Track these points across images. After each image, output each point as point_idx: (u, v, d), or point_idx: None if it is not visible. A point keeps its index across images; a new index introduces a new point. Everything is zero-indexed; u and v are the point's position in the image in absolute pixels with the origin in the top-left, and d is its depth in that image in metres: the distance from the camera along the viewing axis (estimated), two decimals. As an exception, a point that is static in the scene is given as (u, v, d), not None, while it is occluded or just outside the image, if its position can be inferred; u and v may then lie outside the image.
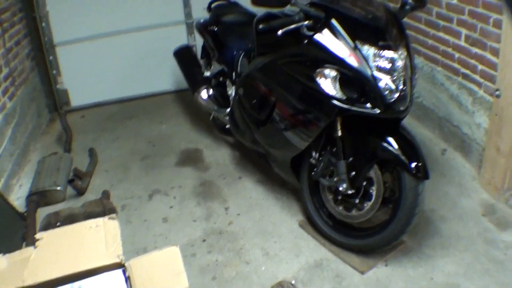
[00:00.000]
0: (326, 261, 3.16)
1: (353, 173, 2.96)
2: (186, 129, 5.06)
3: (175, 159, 4.53)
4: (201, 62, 4.83)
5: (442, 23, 4.02)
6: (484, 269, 2.99)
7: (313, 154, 3.14)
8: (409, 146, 2.83)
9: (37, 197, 3.88)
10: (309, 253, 3.24)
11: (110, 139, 5.01)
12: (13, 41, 4.78)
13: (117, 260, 2.22)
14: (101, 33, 5.56)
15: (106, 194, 3.91)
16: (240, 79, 3.74)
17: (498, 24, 3.36)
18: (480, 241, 3.22)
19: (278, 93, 3.22)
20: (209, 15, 4.57)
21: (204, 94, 4.47)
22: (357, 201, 3.03)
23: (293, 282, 2.97)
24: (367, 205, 3.00)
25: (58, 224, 3.40)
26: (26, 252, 2.32)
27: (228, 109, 4.07)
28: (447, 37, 4.00)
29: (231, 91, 4.13)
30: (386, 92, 2.70)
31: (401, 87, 2.73)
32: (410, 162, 2.75)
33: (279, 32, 2.82)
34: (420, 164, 2.76)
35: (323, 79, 2.80)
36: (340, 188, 2.99)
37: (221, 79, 4.45)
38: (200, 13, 5.16)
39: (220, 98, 4.44)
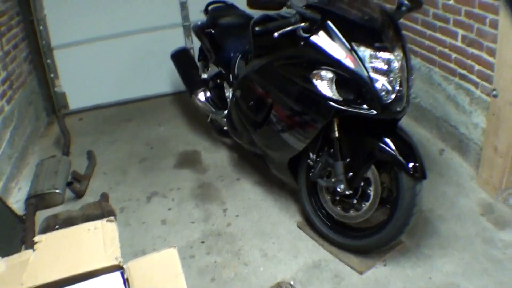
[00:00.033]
0: (325, 262, 3.17)
1: (351, 173, 2.96)
2: (184, 131, 5.07)
3: (173, 161, 4.54)
4: (199, 64, 4.83)
5: (438, 23, 4.03)
6: (483, 269, 2.99)
7: (311, 155, 3.15)
8: (406, 146, 2.84)
9: (36, 200, 3.88)
10: (308, 253, 3.25)
11: (108, 142, 5.01)
12: (11, 44, 4.79)
13: (115, 262, 2.22)
14: (98, 36, 5.57)
15: (104, 197, 3.91)
16: (237, 81, 3.75)
17: (494, 25, 3.37)
18: (478, 240, 3.22)
19: (275, 95, 3.22)
20: (206, 18, 4.59)
21: (201, 96, 4.48)
22: (355, 201, 3.04)
23: (292, 283, 2.97)
24: (365, 205, 2.99)
25: (56, 227, 3.40)
26: (25, 255, 2.32)
27: (226, 111, 4.08)
28: (443, 37, 4.01)
29: (229, 93, 4.13)
30: (383, 93, 2.70)
31: (397, 88, 2.73)
32: (407, 163, 2.76)
33: (276, 34, 2.83)
34: (417, 164, 2.76)
35: (319, 80, 2.81)
36: (338, 189, 2.99)
37: (218, 81, 4.44)
38: (197, 16, 5.17)
39: (218, 100, 4.44)
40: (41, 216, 3.68)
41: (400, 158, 2.77)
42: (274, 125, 3.27)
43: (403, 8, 3.16)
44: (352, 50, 2.72)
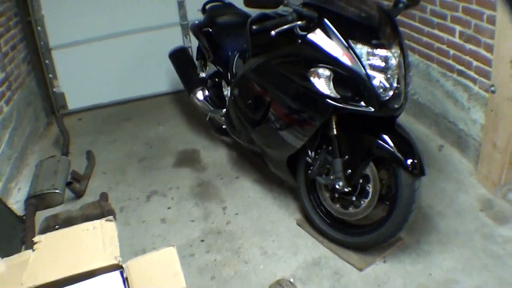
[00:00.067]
0: (324, 259, 3.17)
1: (349, 171, 2.96)
2: (183, 130, 5.07)
3: (172, 160, 4.54)
4: (197, 63, 4.84)
5: (436, 20, 4.03)
6: (483, 264, 2.99)
7: (309, 152, 3.15)
8: (405, 143, 2.84)
9: (36, 200, 3.88)
10: (307, 251, 3.25)
11: (108, 142, 5.02)
12: (9, 45, 4.79)
13: (114, 262, 2.23)
14: (96, 36, 5.58)
15: (104, 196, 3.92)
16: (235, 79, 3.75)
17: (491, 20, 3.37)
18: (478, 236, 3.22)
19: (272, 93, 3.23)
20: (204, 17, 4.59)
21: (200, 95, 4.48)
22: (354, 198, 3.04)
23: (291, 280, 2.97)
24: (364, 202, 3.00)
25: (56, 226, 3.41)
26: (25, 255, 2.33)
27: (224, 110, 4.08)
28: (441, 34, 4.01)
29: (227, 91, 4.14)
30: (380, 90, 2.71)
31: (395, 85, 2.74)
32: (406, 159, 2.76)
33: (273, 32, 2.83)
34: (415, 161, 2.76)
35: (317, 78, 2.81)
36: (337, 186, 2.99)
37: (216, 80, 4.45)
38: (195, 15, 5.18)
39: (216, 98, 4.45)
40: (41, 216, 3.69)
41: (399, 154, 2.77)
42: (272, 123, 3.27)
43: (400, 5, 3.17)
44: (349, 48, 2.73)
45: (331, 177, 3.03)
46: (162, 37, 5.72)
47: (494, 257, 3.04)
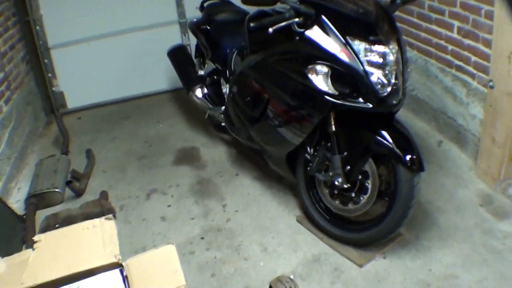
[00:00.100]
0: (324, 255, 3.17)
1: (348, 167, 2.96)
2: (183, 128, 5.07)
3: (172, 158, 4.54)
4: (195, 61, 4.84)
5: (434, 15, 4.03)
6: (482, 260, 3.00)
7: (308, 149, 3.16)
8: (403, 139, 2.84)
9: (36, 200, 3.89)
10: (307, 247, 3.25)
11: (107, 140, 5.02)
12: (8, 45, 4.79)
13: (114, 260, 2.23)
14: (95, 35, 5.58)
15: (104, 195, 3.93)
16: (234, 77, 3.75)
17: (489, 16, 3.37)
18: (478, 231, 3.22)
19: (271, 90, 3.23)
20: (202, 15, 4.58)
21: (198, 93, 4.48)
22: (353, 195, 3.04)
23: (291, 277, 2.99)
24: (363, 198, 3.00)
25: (57, 225, 3.41)
26: (25, 254, 2.34)
27: (223, 107, 4.08)
28: (439, 29, 4.01)
29: (225, 89, 4.15)
30: (378, 87, 2.71)
31: (393, 81, 2.74)
32: (405, 155, 2.76)
33: (270, 29, 2.83)
34: (414, 157, 2.76)
35: (315, 75, 2.81)
36: (336, 183, 2.99)
37: (215, 77, 4.46)
38: (193, 13, 5.17)
39: (215, 96, 4.45)
40: (41, 215, 3.70)
41: (397, 150, 2.77)
42: (271, 120, 3.27)
43: (398, 1, 3.17)
44: (346, 44, 2.73)
45: (330, 173, 3.03)
46: (160, 35, 5.71)
47: (494, 252, 3.04)
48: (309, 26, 2.84)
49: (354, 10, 2.90)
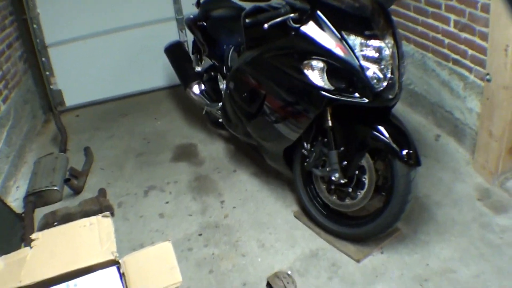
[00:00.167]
0: (322, 251, 3.18)
1: (345, 162, 2.97)
2: (180, 125, 5.08)
3: (170, 155, 4.55)
4: (192, 57, 4.83)
5: (430, 9, 4.02)
6: (480, 254, 3.00)
7: (305, 145, 3.16)
8: (400, 133, 2.84)
9: (34, 198, 3.89)
10: (305, 243, 3.26)
11: (105, 138, 5.03)
12: (5, 44, 4.78)
13: (111, 257, 2.25)
14: (92, 33, 5.57)
15: (102, 192, 3.93)
16: (230, 73, 3.74)
17: (486, 9, 3.36)
18: (475, 225, 3.23)
19: (267, 86, 3.23)
20: (198, 11, 4.58)
21: (196, 89, 4.48)
22: (350, 190, 3.04)
23: (289, 272, 2.99)
24: (360, 193, 3.00)
25: (55, 223, 3.43)
26: (23, 252, 2.35)
27: (220, 103, 4.08)
28: (436, 23, 4.00)
29: (223, 85, 4.14)
30: (374, 81, 2.71)
31: (389, 75, 2.74)
32: (401, 150, 2.76)
33: (266, 25, 2.83)
34: (411, 151, 2.76)
35: (310, 70, 2.81)
36: (333, 178, 2.99)
37: (212, 73, 4.45)
38: (190, 9, 5.16)
39: (212, 92, 4.45)
40: (40, 213, 3.71)
41: (394, 145, 2.77)
42: (267, 116, 3.27)
43: (393, -5, 3.17)
44: (342, 39, 2.72)
45: (327, 169, 3.03)
46: (157, 32, 5.71)
47: (491, 247, 3.04)
48: (304, 22, 2.84)
49: (349, 5, 2.89)
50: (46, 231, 2.52)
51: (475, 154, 3.71)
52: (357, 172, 2.98)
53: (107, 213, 2.58)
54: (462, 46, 3.73)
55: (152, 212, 3.75)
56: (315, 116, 2.92)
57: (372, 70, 2.71)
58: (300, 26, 2.85)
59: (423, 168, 2.87)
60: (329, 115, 2.94)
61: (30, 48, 5.46)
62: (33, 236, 2.43)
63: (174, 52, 4.91)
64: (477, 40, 3.53)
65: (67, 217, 3.47)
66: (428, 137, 4.20)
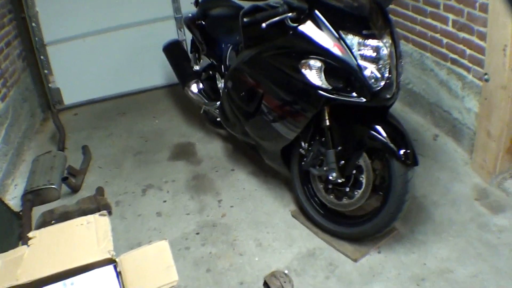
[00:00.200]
0: (319, 250, 3.18)
1: (343, 162, 2.96)
2: (179, 123, 5.08)
3: (167, 153, 4.55)
4: (191, 56, 4.83)
5: (429, 9, 4.02)
6: (477, 254, 3.00)
7: (303, 144, 3.16)
8: (397, 133, 2.84)
9: (32, 196, 3.89)
10: (302, 242, 3.26)
11: (103, 136, 5.02)
12: (4, 42, 4.78)
13: (108, 256, 2.25)
14: (91, 31, 5.57)
15: (100, 191, 3.93)
16: (228, 72, 3.74)
17: (484, 8, 3.37)
18: (473, 225, 3.23)
19: (265, 85, 3.22)
20: (197, 9, 4.57)
21: (194, 88, 4.48)
22: (347, 189, 3.04)
23: (286, 272, 2.99)
24: (358, 193, 3.00)
25: (53, 222, 3.42)
26: (20, 251, 2.35)
27: (218, 102, 4.08)
28: (434, 22, 4.00)
29: (221, 84, 4.15)
30: (372, 81, 2.71)
31: (386, 75, 2.74)
32: (399, 149, 2.76)
33: (263, 24, 2.83)
34: (408, 151, 2.76)
35: (308, 70, 2.80)
36: (330, 177, 2.99)
37: (210, 72, 4.45)
38: (189, 8, 5.15)
39: (210, 91, 4.45)
40: (38, 211, 3.70)
41: (391, 145, 2.77)
42: (265, 115, 3.27)
43: (391, -5, 3.17)
44: (340, 39, 2.72)
45: (325, 168, 3.03)
46: (156, 30, 5.71)
47: (489, 247, 3.04)
48: (302, 21, 2.83)
49: (347, 4, 2.89)
50: (43, 230, 2.53)
51: (473, 154, 3.71)
52: (354, 171, 2.99)
53: (104, 211, 2.59)
54: (461, 46, 3.73)
55: (150, 211, 3.75)
56: (312, 115, 2.92)
57: (370, 70, 2.71)
58: (298, 26, 2.84)
59: (421, 167, 2.87)
60: (326, 114, 2.94)
61: (29, 46, 5.46)
62: (30, 234, 2.44)
63: (173, 51, 4.91)
64: (476, 40, 3.54)
65: (65, 216, 3.46)
66: (426, 137, 4.20)
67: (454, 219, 3.30)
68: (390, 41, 2.79)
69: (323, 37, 2.75)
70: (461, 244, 3.09)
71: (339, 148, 2.97)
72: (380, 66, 2.73)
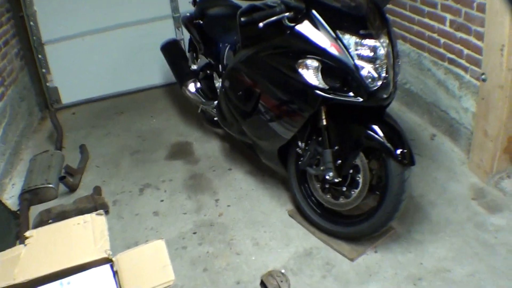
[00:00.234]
0: (316, 249, 3.18)
1: (339, 161, 2.96)
2: (176, 123, 5.07)
3: (165, 153, 4.54)
4: (188, 55, 4.84)
5: (426, 8, 4.03)
6: (474, 253, 3.01)
7: (299, 143, 3.16)
8: (394, 133, 2.84)
9: (30, 195, 3.89)
10: (299, 242, 3.26)
11: (101, 135, 5.02)
12: (1, 41, 4.77)
13: (104, 255, 2.25)
14: (89, 30, 5.57)
15: (97, 190, 3.93)
16: (226, 71, 3.74)
17: (481, 8, 3.37)
18: (470, 225, 3.23)
19: (262, 85, 3.22)
20: (195, 9, 4.58)
21: (191, 87, 4.47)
22: (344, 189, 3.04)
23: (283, 271, 3.00)
24: (354, 192, 3.01)
25: (50, 221, 3.43)
26: (17, 250, 2.35)
27: (216, 102, 4.07)
28: (432, 22, 4.01)
29: (218, 83, 4.15)
30: (369, 81, 2.71)
31: (383, 75, 2.74)
32: (395, 149, 2.76)
33: (260, 24, 2.84)
34: (405, 151, 2.76)
35: (305, 70, 2.80)
36: (327, 177, 2.99)
37: (208, 72, 4.45)
38: (187, 7, 5.16)
39: (208, 90, 4.44)
40: (35, 211, 3.71)
41: (388, 144, 2.77)
42: (262, 114, 3.27)
43: (389, -5, 3.17)
44: (337, 38, 2.72)
45: (321, 167, 3.03)
46: (154, 30, 5.70)
47: (485, 246, 3.05)
48: (299, 21, 2.83)
49: (344, 4, 2.89)
50: (40, 229, 2.53)
51: (470, 154, 3.72)
52: (351, 171, 2.99)
53: (101, 211, 2.59)
54: (458, 46, 3.74)
55: (147, 210, 3.75)
56: (309, 115, 2.93)
57: (366, 70, 2.71)
58: (295, 25, 2.84)
59: (418, 167, 2.88)
60: (323, 114, 2.94)
61: (27, 46, 5.46)
62: (27, 233, 2.44)
63: (170, 50, 4.91)
64: (473, 39, 3.54)
65: (62, 215, 3.47)
66: (424, 137, 4.20)
67: (451, 219, 3.30)
68: (387, 41, 2.79)
69: (320, 37, 2.75)
70: (458, 243, 3.10)
71: (336, 147, 2.97)
72: (377, 66, 2.73)
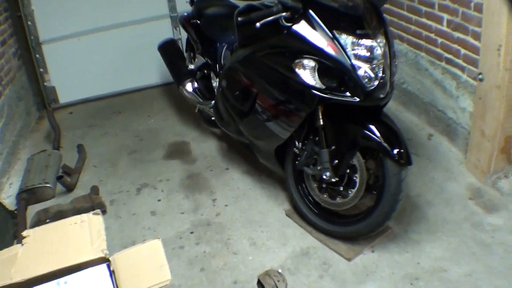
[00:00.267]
0: (313, 249, 3.18)
1: (336, 161, 2.96)
2: (173, 122, 5.08)
3: (162, 152, 4.55)
4: (186, 55, 4.83)
5: (424, 8, 4.03)
6: (471, 253, 3.01)
7: (297, 143, 3.16)
8: (391, 132, 2.84)
9: (27, 195, 3.88)
10: (296, 241, 3.26)
11: (98, 135, 5.02)
12: (-1, 40, 4.79)
13: (101, 255, 2.25)
14: (86, 30, 5.57)
15: (95, 190, 3.93)
16: (223, 71, 3.74)
17: (479, 8, 3.37)
18: (467, 225, 3.23)
19: (259, 84, 3.23)
20: (192, 8, 4.58)
21: (189, 87, 4.48)
22: (341, 188, 3.05)
23: (280, 271, 2.99)
24: (351, 192, 3.00)
25: (47, 221, 3.43)
26: (14, 249, 2.35)
27: (213, 101, 4.08)
28: (429, 22, 4.01)
29: (216, 83, 4.14)
30: (365, 80, 2.71)
31: (380, 74, 2.74)
32: (392, 149, 2.76)
33: (258, 24, 2.84)
34: (402, 151, 2.77)
35: (302, 69, 2.80)
36: (324, 177, 2.99)
37: (205, 71, 4.45)
38: (185, 7, 5.17)
39: (205, 90, 4.45)
40: (32, 210, 3.70)
41: (385, 144, 2.77)
42: (259, 114, 3.27)
43: (386, -6, 3.17)
44: (333, 38, 2.72)
45: (318, 167, 3.03)
46: (151, 29, 5.71)
47: (483, 246, 3.05)
48: (296, 21, 2.83)
49: (341, 4, 2.89)
50: (37, 228, 2.53)
51: (468, 154, 3.72)
52: (348, 171, 2.99)
53: (98, 210, 2.59)
54: (455, 46, 3.74)
55: (144, 210, 3.74)
56: (306, 115, 2.93)
57: (363, 69, 2.71)
58: (292, 25, 2.84)
59: (415, 167, 2.88)
60: (320, 114, 2.94)
61: (24, 45, 5.46)
62: (24, 233, 2.44)
63: (168, 49, 4.91)
64: (470, 39, 3.54)
65: (59, 215, 3.47)
66: (421, 136, 4.21)
67: (448, 219, 3.30)
68: (384, 41, 2.79)
69: (317, 37, 2.75)
70: (455, 243, 3.10)
71: (333, 147, 2.97)
72: (374, 65, 2.73)
